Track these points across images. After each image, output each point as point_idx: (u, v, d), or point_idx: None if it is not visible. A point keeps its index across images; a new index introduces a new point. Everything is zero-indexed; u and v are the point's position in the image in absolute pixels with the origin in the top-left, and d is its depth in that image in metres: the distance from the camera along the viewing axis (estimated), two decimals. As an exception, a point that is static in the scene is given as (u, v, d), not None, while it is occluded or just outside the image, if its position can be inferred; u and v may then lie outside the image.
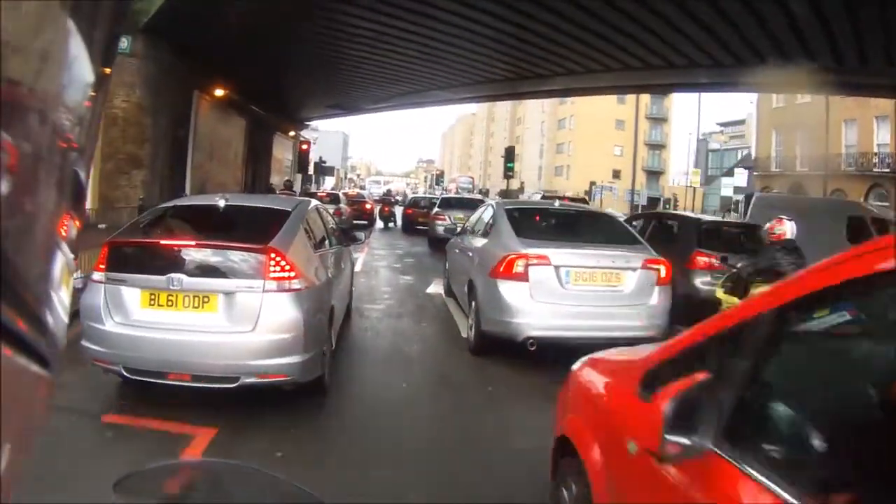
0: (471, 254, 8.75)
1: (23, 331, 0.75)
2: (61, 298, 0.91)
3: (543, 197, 77.50)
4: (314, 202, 7.95)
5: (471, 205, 23.45)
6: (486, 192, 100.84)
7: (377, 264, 16.38)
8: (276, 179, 39.05)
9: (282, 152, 38.77)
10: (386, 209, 30.31)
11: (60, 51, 0.79)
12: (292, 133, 37.94)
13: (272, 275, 5.16)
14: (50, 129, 0.80)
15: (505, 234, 7.76)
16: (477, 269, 7.97)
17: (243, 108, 29.46)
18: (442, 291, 11.80)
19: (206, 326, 5.14)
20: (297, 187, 36.11)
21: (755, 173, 48.36)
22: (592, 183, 58.34)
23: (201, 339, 5.13)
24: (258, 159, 33.94)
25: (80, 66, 0.85)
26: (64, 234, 0.90)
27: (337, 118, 40.68)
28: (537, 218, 9.11)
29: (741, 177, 69.55)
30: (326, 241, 7.19)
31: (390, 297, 11.85)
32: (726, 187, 69.75)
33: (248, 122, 31.24)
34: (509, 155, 34.66)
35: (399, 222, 30.20)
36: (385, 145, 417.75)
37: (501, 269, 7.09)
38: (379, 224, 30.58)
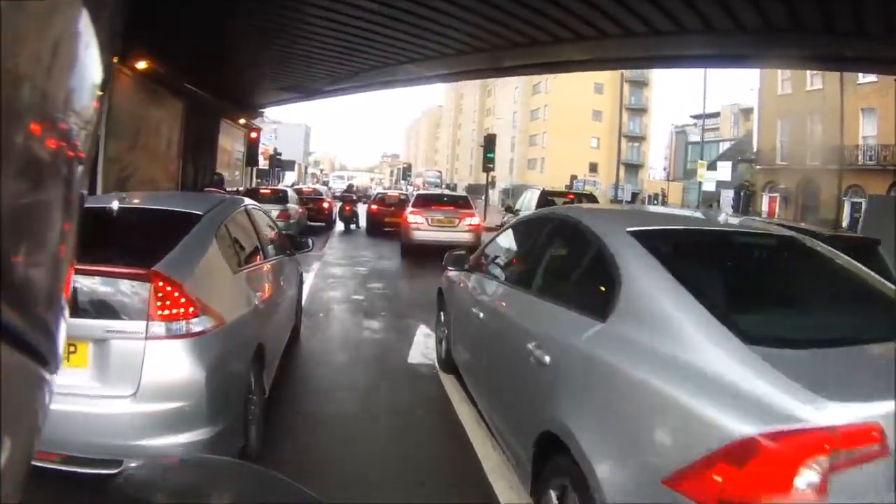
0: (538, 356, 3.49)
1: (23, 331, 0.74)
2: (61, 298, 0.90)
3: (513, 190, 73.40)
4: (244, 202, 6.11)
5: (453, 202, 19.10)
6: (454, 187, 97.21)
7: (329, 295, 11.27)
8: (224, 174, 34.14)
9: (231, 143, 33.66)
10: (347, 208, 25.56)
11: (73, 42, 0.77)
12: (243, 121, 33.04)
13: (160, 313, 3.59)
14: (53, 126, 0.78)
15: (693, 328, 2.63)
16: (571, 402, 3.06)
17: (178, 89, 24.47)
18: (434, 358, 7.17)
19: (72, 387, 3.50)
20: (246, 183, 31.25)
21: (757, 167, 44.57)
22: (574, 177, 54.16)
23: (67, 406, 3.39)
24: (200, 150, 28.93)
25: (91, 59, 0.83)
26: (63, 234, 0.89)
27: (294, 103, 35.70)
28: (719, 263, 3.59)
29: (724, 170, 66.75)
30: (258, 254, 5.58)
31: (347, 381, 6.55)
32: (708, 181, 67.07)
33: (185, 106, 26.21)
34: (489, 144, 30.17)
35: (363, 223, 25.76)
36: (349, 140, 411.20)
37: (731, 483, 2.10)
38: (339, 226, 25.93)
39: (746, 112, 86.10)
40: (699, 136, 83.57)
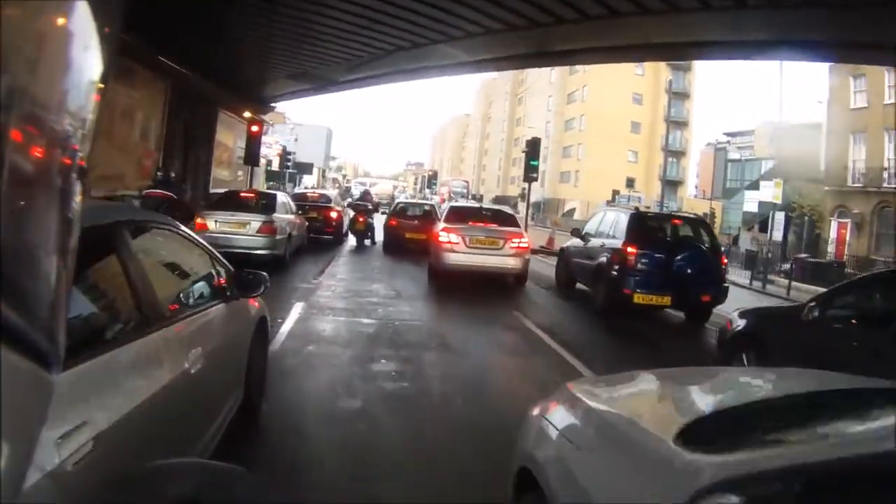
0: None
1: (23, 331, 0.75)
2: (61, 299, 0.90)
3: (545, 203, 68.31)
4: (145, 220, 3.60)
5: (496, 218, 14.65)
6: (479, 198, 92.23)
7: (288, 402, 5.81)
8: (224, 173, 29.38)
9: (233, 139, 28.93)
10: (360, 220, 20.61)
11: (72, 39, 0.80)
12: (248, 114, 28.41)
13: None
14: (50, 128, 0.79)
15: None
16: None
17: (160, 67, 19.76)
18: None
19: None
20: (251, 186, 26.46)
21: (825, 188, 39.22)
22: (616, 192, 48.94)
23: None
24: (192, 144, 24.25)
25: (90, 56, 0.83)
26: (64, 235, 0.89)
27: (307, 96, 30.86)
28: None
29: (767, 190, 61.05)
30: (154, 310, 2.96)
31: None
32: (750, 201, 61.52)
33: (170, 89, 21.51)
34: (533, 149, 25.11)
35: (379, 238, 20.97)
36: (373, 147, 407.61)
37: None
38: (351, 242, 21.12)
39: (782, 130, 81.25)
40: (739, 154, 78.96)
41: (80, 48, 0.79)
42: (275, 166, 55.20)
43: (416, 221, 19.96)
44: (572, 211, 62.77)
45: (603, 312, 11.71)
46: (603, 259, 11.97)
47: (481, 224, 14.15)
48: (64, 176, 0.86)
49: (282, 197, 15.29)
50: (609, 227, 12.91)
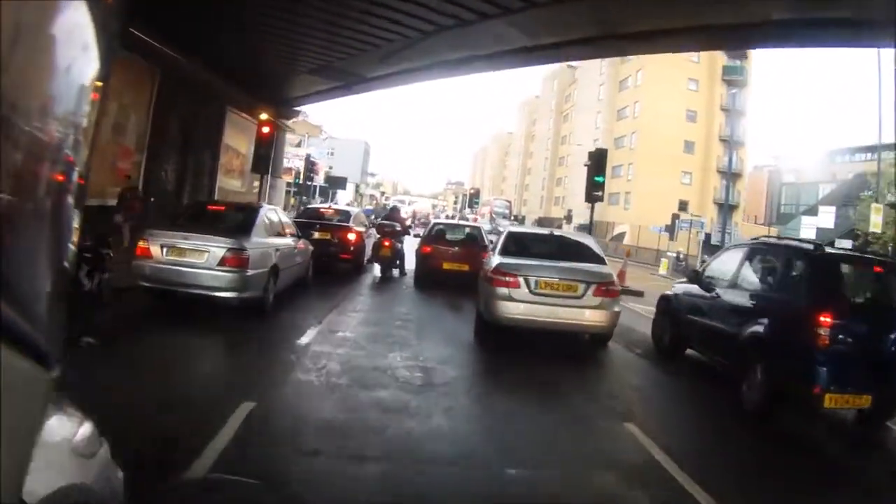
0: None
1: (23, 331, 0.77)
2: (61, 299, 0.93)
3: (593, 226, 63.58)
4: None
5: (572, 251, 10.51)
6: (522, 219, 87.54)
7: None
8: (236, 183, 25.09)
9: (246, 144, 24.56)
10: (386, 244, 16.04)
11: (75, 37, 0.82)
12: (265, 116, 24.23)
13: None
14: (51, 128, 0.81)
15: None
16: None
17: (147, 51, 15.64)
18: None
19: None
20: (267, 199, 22.14)
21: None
22: (676, 216, 43.93)
23: None
24: (190, 145, 20.08)
25: (90, 57, 0.87)
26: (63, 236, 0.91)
27: (334, 98, 26.44)
28: None
29: (827, 216, 56.05)
30: None
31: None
32: (807, 228, 56.35)
33: (160, 79, 17.33)
34: (598, 162, 20.48)
35: (410, 266, 16.48)
36: (413, 165, 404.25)
37: None
38: (375, 272, 16.64)
39: (832, 154, 75.76)
40: (795, 177, 73.51)
41: (78, 49, 0.79)
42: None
43: (456, 248, 15.64)
44: (622, 235, 57.57)
45: (758, 415, 7.05)
46: (760, 327, 7.33)
47: (555, 262, 9.65)
48: (61, 178, 0.86)
49: (269, 212, 10.75)
50: (758, 273, 8.27)
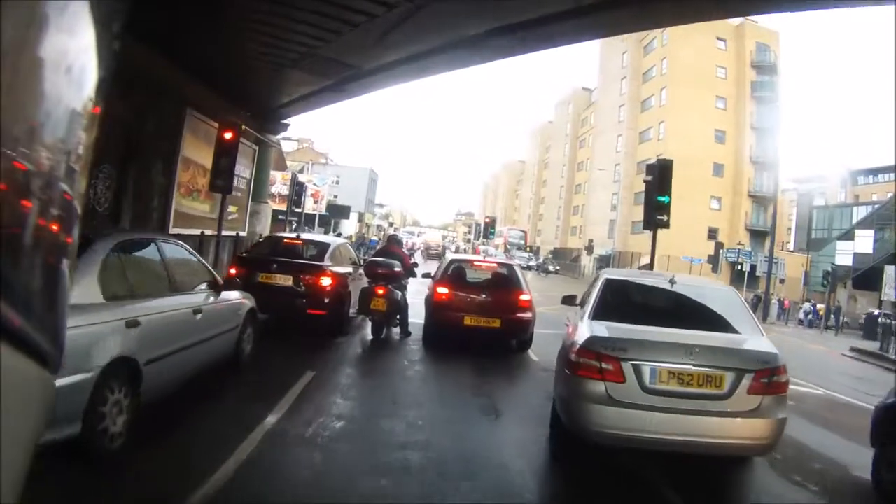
0: None
1: (23, 331, 0.76)
2: (62, 301, 0.92)
3: (616, 257, 58.75)
4: None
5: (710, 316, 6.45)
6: (536, 250, 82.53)
7: None
8: (201, 206, 19.95)
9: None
10: (379, 294, 10.73)
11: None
12: (245, 128, 19.46)
13: None
14: (52, 129, 0.81)
15: None
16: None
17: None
18: None
19: None
20: (257, 226, 17.04)
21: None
22: (720, 244, 38.95)
23: None
24: (135, 153, 15.15)
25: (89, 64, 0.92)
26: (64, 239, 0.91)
27: (328, 104, 21.59)
28: None
29: (865, 240, 51.22)
30: None
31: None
32: (843, 254, 51.68)
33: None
34: (662, 177, 15.63)
35: (415, 318, 11.59)
36: (422, 195, 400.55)
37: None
38: (365, 331, 11.71)
39: (855, 174, 71.16)
40: (825, 200, 68.76)
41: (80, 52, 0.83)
42: (309, 207, 46.50)
43: (483, 296, 10.82)
44: (648, 266, 52.58)
45: None
46: None
47: (677, 327, 5.92)
48: (61, 178, 0.85)
49: (126, 247, 5.65)
50: None
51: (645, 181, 16.48)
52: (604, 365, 5.33)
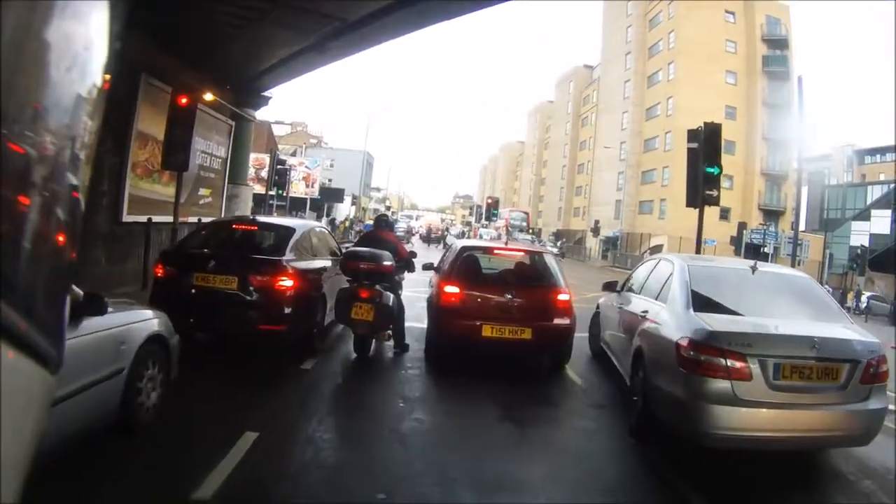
0: None
1: (23, 331, 0.74)
2: (63, 301, 0.89)
3: (625, 239, 56.21)
4: None
5: (801, 304, 6.15)
6: (538, 232, 79.76)
7: None
8: (165, 190, 17.09)
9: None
10: (364, 295, 7.70)
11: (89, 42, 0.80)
12: (210, 96, 16.67)
13: None
14: (53, 132, 0.78)
15: None
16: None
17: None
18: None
19: None
20: (238, 209, 14.35)
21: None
22: (743, 224, 36.40)
23: None
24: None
25: (97, 59, 0.88)
26: (64, 239, 0.86)
27: (312, 69, 18.78)
28: None
29: (882, 220, 48.65)
30: None
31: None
32: (858, 234, 49.33)
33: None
34: (711, 143, 13.02)
35: (414, 323, 9.19)
36: (420, 179, 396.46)
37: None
38: (345, 348, 8.67)
39: (861, 153, 68.75)
40: (837, 179, 66.46)
41: (83, 49, 0.80)
42: (300, 191, 43.77)
43: (507, 295, 8.00)
44: (659, 248, 49.49)
45: None
46: None
47: (781, 319, 5.68)
48: (63, 180, 0.82)
49: None
50: None
51: (690, 149, 13.75)
52: (730, 362, 5.05)
